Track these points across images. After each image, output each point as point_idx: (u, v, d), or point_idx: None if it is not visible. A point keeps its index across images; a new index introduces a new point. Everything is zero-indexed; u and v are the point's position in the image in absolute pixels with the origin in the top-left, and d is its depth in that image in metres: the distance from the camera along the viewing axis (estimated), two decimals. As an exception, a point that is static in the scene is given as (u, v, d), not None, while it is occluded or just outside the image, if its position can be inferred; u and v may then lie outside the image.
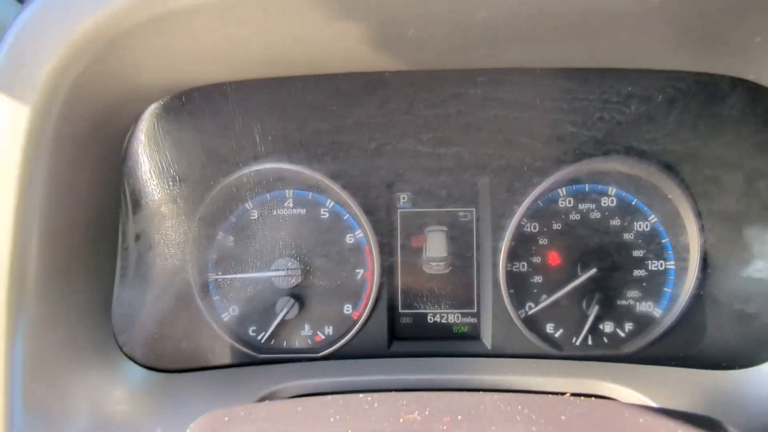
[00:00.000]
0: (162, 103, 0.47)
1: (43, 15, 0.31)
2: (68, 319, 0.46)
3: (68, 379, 0.45)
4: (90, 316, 0.49)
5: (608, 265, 0.58)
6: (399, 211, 0.61)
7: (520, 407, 0.39)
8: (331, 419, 0.33)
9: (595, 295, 0.57)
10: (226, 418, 0.35)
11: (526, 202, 0.56)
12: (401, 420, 0.33)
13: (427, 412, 0.34)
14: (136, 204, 0.53)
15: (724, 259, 0.54)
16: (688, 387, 0.51)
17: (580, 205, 0.60)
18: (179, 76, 0.43)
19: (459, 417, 0.35)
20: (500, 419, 0.34)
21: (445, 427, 0.32)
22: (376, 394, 0.36)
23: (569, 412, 0.40)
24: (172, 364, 0.56)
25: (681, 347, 0.56)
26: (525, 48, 0.42)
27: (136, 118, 0.47)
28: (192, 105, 0.50)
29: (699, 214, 0.55)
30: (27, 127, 0.34)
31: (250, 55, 0.41)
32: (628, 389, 0.50)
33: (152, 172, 0.53)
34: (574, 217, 0.60)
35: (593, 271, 0.57)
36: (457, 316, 0.62)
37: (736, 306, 0.53)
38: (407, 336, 0.63)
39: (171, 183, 0.54)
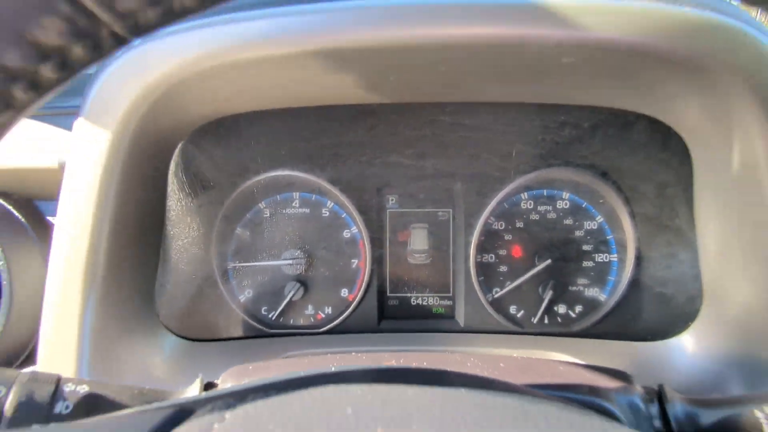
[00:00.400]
0: (200, 127, 0.58)
1: (122, 67, 0.43)
2: (123, 298, 0.55)
3: (122, 343, 0.55)
4: (139, 296, 0.59)
5: (561, 257, 0.67)
6: (388, 211, 0.71)
7: (473, 359, 0.49)
8: (332, 366, 0.44)
9: (550, 282, 0.66)
10: (250, 368, 0.45)
11: (492, 204, 0.65)
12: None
13: (402, 360, 0.44)
14: (175, 206, 0.63)
15: (651, 252, 0.63)
16: (619, 355, 0.62)
17: (539, 207, 0.68)
18: (216, 108, 0.55)
19: (424, 362, 0.45)
20: (454, 364, 0.44)
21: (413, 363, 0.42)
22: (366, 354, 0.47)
23: (508, 362, 0.50)
24: (199, 334, 0.66)
25: (620, 325, 0.66)
26: (479, 88, 0.54)
27: (180, 139, 0.58)
28: (222, 128, 0.61)
29: (633, 216, 0.64)
30: (106, 151, 0.46)
31: (270, 93, 0.52)
32: (571, 357, 0.61)
33: (188, 181, 0.63)
34: (534, 217, 0.68)
35: (548, 261, 0.66)
36: (436, 299, 0.71)
37: (659, 290, 0.63)
38: (394, 315, 0.71)
39: (202, 189, 0.64)
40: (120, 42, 0.20)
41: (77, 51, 0.20)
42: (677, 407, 0.40)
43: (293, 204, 0.70)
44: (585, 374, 0.47)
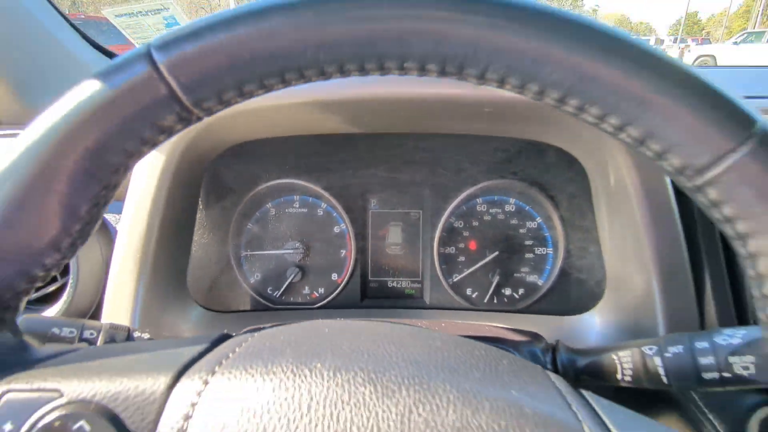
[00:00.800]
0: (227, 148, 0.74)
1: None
2: (164, 278, 0.67)
3: (162, 312, 0.67)
4: (175, 277, 0.71)
5: (507, 250, 0.79)
6: (370, 212, 0.83)
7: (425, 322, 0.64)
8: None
9: (497, 270, 0.79)
10: (263, 326, 0.60)
11: (450, 208, 0.79)
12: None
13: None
14: (204, 208, 0.77)
15: (572, 247, 0.76)
16: (549, 326, 0.74)
17: (490, 209, 0.80)
18: (241, 136, 0.70)
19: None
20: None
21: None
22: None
23: (449, 324, 0.65)
24: (219, 307, 0.79)
25: (551, 303, 0.79)
26: (431, 125, 0.69)
27: (212, 158, 0.73)
28: (243, 149, 0.75)
29: (561, 218, 0.78)
30: (160, 168, 0.61)
31: (283, 126, 0.68)
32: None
33: (214, 189, 0.78)
34: (487, 217, 0.80)
35: (496, 253, 0.79)
36: (408, 282, 0.83)
37: (577, 276, 0.76)
38: (374, 295, 0.83)
39: (224, 194, 0.79)
40: (200, 118, 0.36)
41: (177, 127, 0.35)
42: (563, 355, 0.56)
43: (294, 205, 0.82)
44: (506, 333, 0.63)
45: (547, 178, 0.77)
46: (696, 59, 18.39)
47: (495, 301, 0.81)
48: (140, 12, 0.97)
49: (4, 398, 0.28)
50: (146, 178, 0.62)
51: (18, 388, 0.29)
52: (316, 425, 0.26)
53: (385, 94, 0.59)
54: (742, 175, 0.26)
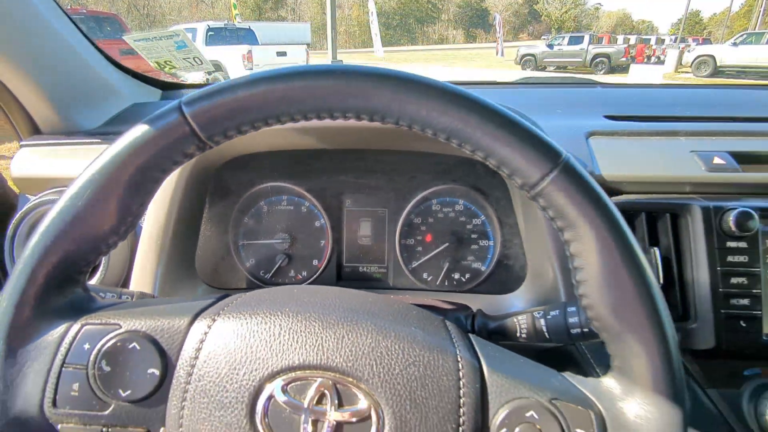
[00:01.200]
0: (227, 160, 0.92)
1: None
2: (178, 261, 0.82)
3: (175, 288, 0.81)
4: (186, 260, 0.86)
5: (457, 241, 0.94)
6: (345, 209, 0.97)
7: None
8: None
9: (448, 258, 0.94)
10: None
11: (408, 207, 0.94)
12: None
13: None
14: (209, 205, 0.93)
15: (504, 239, 0.92)
16: (486, 302, 0.87)
17: (443, 208, 0.95)
18: (237, 151, 0.87)
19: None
20: None
21: None
22: None
23: (404, 297, 0.83)
24: (221, 285, 0.94)
25: (489, 285, 0.93)
26: (385, 142, 0.88)
27: (216, 165, 0.90)
28: (242, 158, 0.91)
29: (497, 217, 0.93)
30: (177, 175, 0.79)
31: (271, 142, 0.86)
32: None
33: (218, 190, 0.94)
34: (440, 215, 0.95)
35: (447, 244, 0.94)
36: (375, 268, 0.97)
37: (507, 262, 0.91)
38: (348, 278, 0.96)
39: (226, 194, 0.95)
40: (212, 147, 0.53)
41: (197, 153, 0.52)
42: (479, 320, 0.69)
43: (283, 203, 0.96)
44: (442, 303, 0.81)
45: (482, 184, 0.94)
46: (695, 59, 18.39)
47: (446, 283, 0.94)
48: (155, 37, 1.15)
49: (83, 329, 0.46)
50: (165, 183, 0.81)
51: (92, 322, 0.46)
52: (282, 344, 0.44)
53: (345, 123, 0.77)
54: (556, 189, 0.44)
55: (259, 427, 0.42)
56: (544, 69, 21.81)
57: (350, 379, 0.45)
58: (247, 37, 13.67)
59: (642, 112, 1.06)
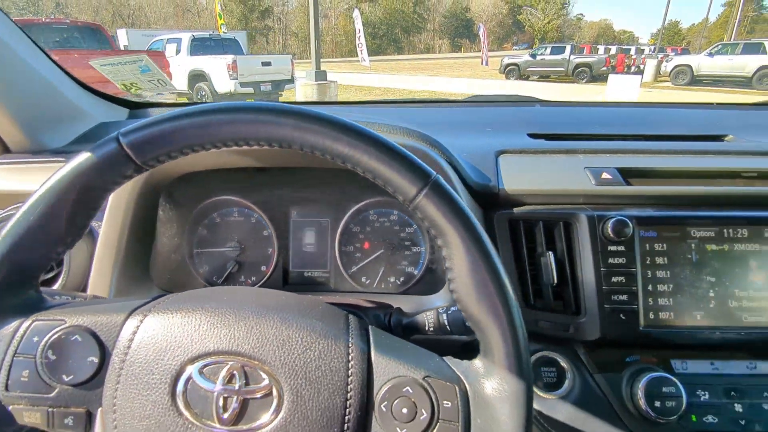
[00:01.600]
0: (175, 177, 1.01)
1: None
2: (132, 269, 0.87)
3: (129, 295, 0.87)
4: (140, 268, 0.91)
5: (391, 248, 1.01)
6: (291, 220, 1.05)
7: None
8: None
9: (384, 263, 1.02)
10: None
11: (345, 218, 1.01)
12: None
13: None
14: (163, 217, 1.01)
15: (431, 245, 1.00)
16: (415, 303, 0.92)
17: (380, 218, 1.00)
18: (191, 167, 0.97)
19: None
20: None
21: None
22: None
23: (333, 296, 0.93)
24: (178, 290, 1.07)
25: (420, 287, 0.99)
26: (311, 162, 0.98)
27: (167, 180, 0.98)
28: (193, 175, 0.98)
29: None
30: (129, 191, 0.88)
31: (214, 161, 0.96)
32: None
33: (170, 203, 1.01)
34: (377, 224, 1.00)
35: (382, 250, 1.02)
36: (319, 273, 1.02)
37: (433, 266, 0.99)
38: (294, 282, 1.01)
39: (177, 205, 1.02)
40: (147, 170, 0.63)
41: (135, 175, 0.60)
42: (395, 317, 0.73)
43: (234, 215, 1.02)
44: (365, 303, 0.91)
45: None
46: (673, 69, 18.89)
47: (383, 285, 1.01)
48: (119, 62, 1.25)
49: (33, 324, 0.54)
50: (118, 198, 0.90)
51: (41, 318, 0.55)
52: (200, 334, 0.54)
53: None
54: (428, 203, 0.54)
55: (179, 404, 0.51)
56: (527, 78, 22.18)
57: (256, 362, 0.55)
58: (233, 47, 13.73)
59: (563, 130, 1.19)
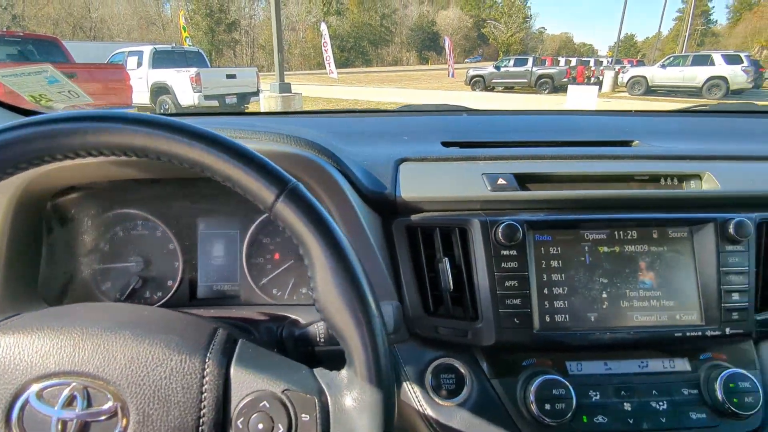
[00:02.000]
0: (61, 188, 0.97)
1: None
2: (14, 286, 0.84)
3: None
4: (24, 284, 0.87)
5: (300, 259, 1.04)
6: (199, 232, 1.02)
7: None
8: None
9: (293, 274, 1.00)
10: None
11: (251, 230, 0.99)
12: None
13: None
14: (48, 231, 0.97)
15: None
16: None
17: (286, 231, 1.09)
18: (66, 181, 0.94)
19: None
20: None
21: None
22: None
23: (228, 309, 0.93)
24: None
25: None
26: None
27: (49, 196, 0.95)
28: (79, 188, 0.97)
29: None
30: (5, 204, 0.84)
31: (120, 173, 0.93)
32: (296, 316, 1.03)
33: (58, 217, 0.98)
34: (287, 234, 1.10)
35: (291, 262, 1.00)
36: (228, 286, 1.01)
37: None
38: (203, 296, 1.01)
39: (66, 219, 0.98)
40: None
41: None
42: (287, 329, 0.79)
43: (137, 228, 0.99)
44: (257, 315, 0.89)
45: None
46: (629, 80, 19.74)
47: (294, 297, 0.99)
48: (23, 73, 1.20)
49: None
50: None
51: None
52: (41, 355, 0.51)
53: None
54: (286, 210, 0.53)
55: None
56: (492, 89, 22.70)
57: (100, 382, 0.52)
58: (196, 59, 13.57)
59: (480, 138, 1.20)
